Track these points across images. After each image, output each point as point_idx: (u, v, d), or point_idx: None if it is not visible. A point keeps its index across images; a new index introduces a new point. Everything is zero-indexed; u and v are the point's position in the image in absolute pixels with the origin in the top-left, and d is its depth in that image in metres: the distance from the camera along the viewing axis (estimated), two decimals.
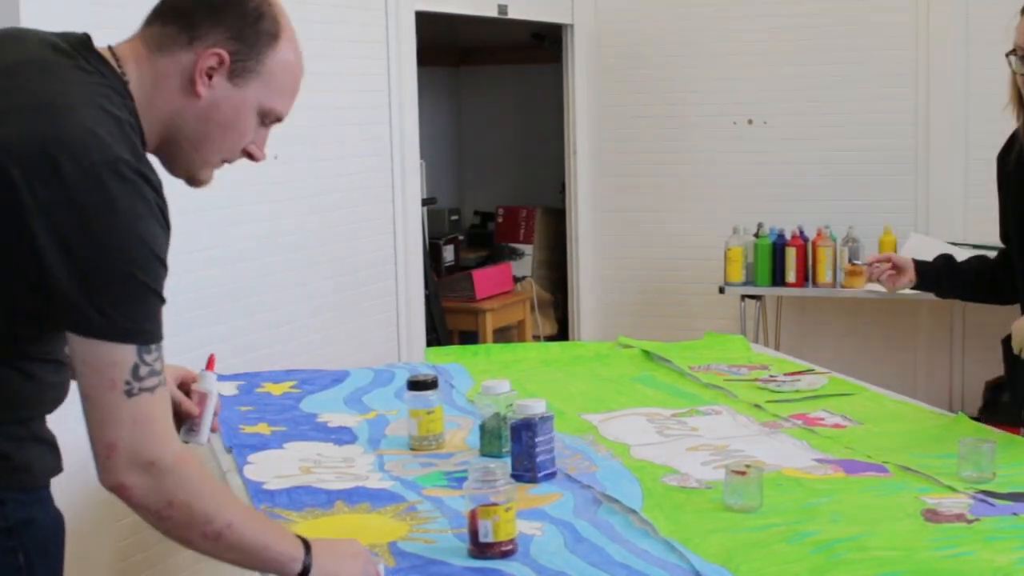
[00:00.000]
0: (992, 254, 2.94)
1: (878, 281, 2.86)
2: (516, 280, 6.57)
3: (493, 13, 5.67)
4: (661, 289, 6.21)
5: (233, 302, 4.08)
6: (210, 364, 2.06)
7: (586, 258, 6.32)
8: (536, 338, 6.45)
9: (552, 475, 2.47)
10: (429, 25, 5.32)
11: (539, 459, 2.45)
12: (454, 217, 7.05)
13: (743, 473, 2.28)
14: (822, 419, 2.89)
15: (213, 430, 2.05)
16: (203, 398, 2.01)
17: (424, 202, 5.42)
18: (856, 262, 2.86)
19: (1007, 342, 2.65)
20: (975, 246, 4.68)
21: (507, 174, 7.50)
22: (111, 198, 1.56)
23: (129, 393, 1.58)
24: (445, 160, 7.35)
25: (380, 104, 4.84)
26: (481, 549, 2.02)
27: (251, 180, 4.12)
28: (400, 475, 2.51)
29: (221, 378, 2.51)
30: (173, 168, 1.83)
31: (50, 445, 1.75)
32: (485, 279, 6.16)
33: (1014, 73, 2.61)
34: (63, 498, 1.81)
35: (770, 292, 5.64)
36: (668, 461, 2.59)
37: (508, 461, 2.48)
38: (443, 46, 7.01)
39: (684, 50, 6.07)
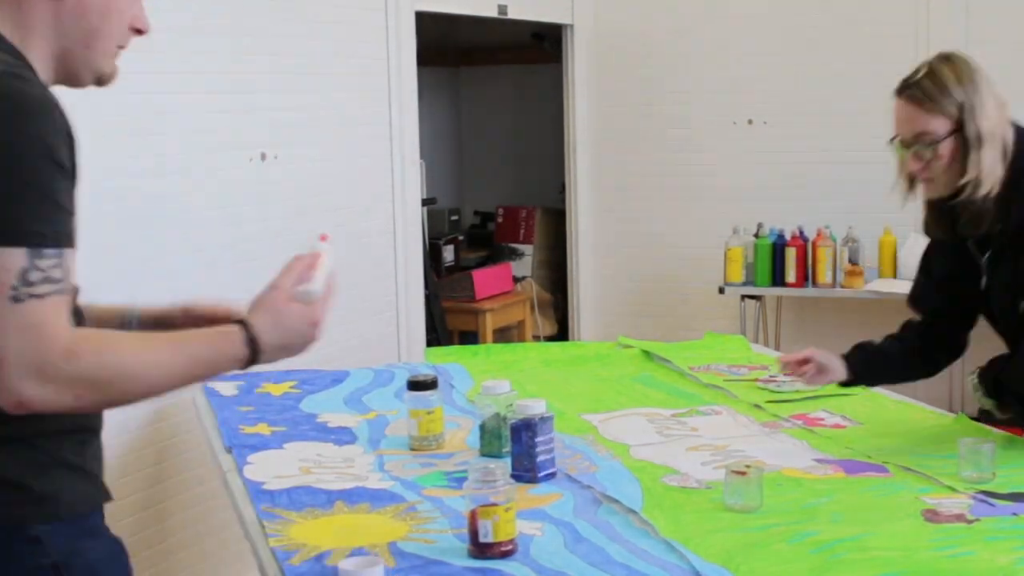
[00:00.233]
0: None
1: (792, 377, 2.68)
2: (516, 280, 6.57)
3: (493, 13, 5.67)
4: (661, 289, 6.21)
5: None
6: (323, 238, 1.92)
7: (586, 258, 6.32)
8: (536, 338, 6.45)
9: (552, 475, 2.47)
10: (429, 25, 5.32)
11: (539, 459, 2.45)
12: (454, 217, 7.05)
13: (743, 473, 2.28)
14: (822, 419, 2.89)
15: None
16: (316, 256, 1.84)
17: (424, 202, 5.42)
18: (781, 358, 2.66)
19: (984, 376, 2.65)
20: None
21: (507, 174, 7.50)
22: None
23: (15, 299, 1.46)
24: (445, 160, 7.35)
25: (380, 104, 4.84)
26: (481, 549, 2.02)
27: (251, 180, 4.12)
28: (400, 475, 2.51)
29: (220, 379, 2.50)
30: (79, 77, 1.79)
31: (83, 472, 1.66)
32: (485, 279, 6.16)
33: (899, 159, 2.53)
34: None
35: (770, 292, 5.64)
36: (668, 461, 2.59)
37: (508, 461, 2.48)
38: (443, 46, 7.01)
39: (684, 50, 6.07)
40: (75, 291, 1.64)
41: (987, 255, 2.52)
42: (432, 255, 6.09)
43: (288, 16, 4.29)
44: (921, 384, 2.72)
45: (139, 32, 1.82)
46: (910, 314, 2.73)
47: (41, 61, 1.70)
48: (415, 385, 2.74)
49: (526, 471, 2.44)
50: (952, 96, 2.39)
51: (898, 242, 5.35)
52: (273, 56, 4.22)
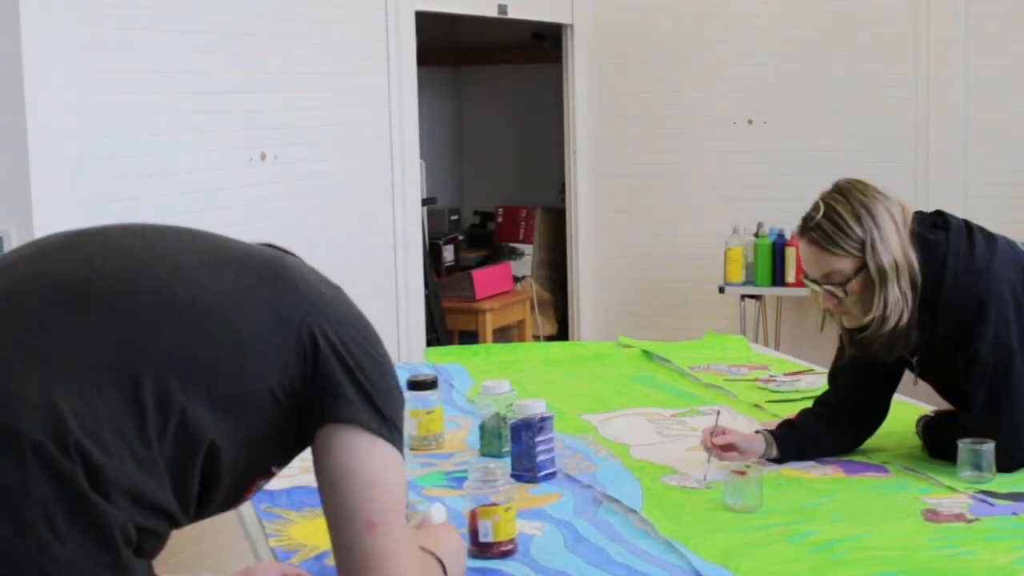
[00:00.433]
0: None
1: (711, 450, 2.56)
2: (516, 280, 6.56)
3: (493, 13, 5.67)
4: (661, 289, 6.21)
5: None
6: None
7: (586, 258, 6.32)
8: (536, 338, 6.44)
9: (552, 475, 2.47)
10: (429, 25, 5.32)
11: (539, 459, 2.45)
12: (454, 217, 7.04)
13: (743, 473, 2.28)
14: None
15: None
16: None
17: (424, 202, 5.42)
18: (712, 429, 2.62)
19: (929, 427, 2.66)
20: None
21: (507, 174, 7.50)
22: None
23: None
24: (445, 160, 7.35)
25: (380, 104, 4.83)
26: (481, 549, 2.02)
27: (250, 180, 4.13)
28: None
29: None
30: None
31: None
32: (485, 279, 6.16)
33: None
34: None
35: (770, 292, 5.64)
36: (668, 461, 2.59)
37: (508, 461, 2.48)
38: (443, 46, 7.00)
39: (684, 50, 6.07)
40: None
41: (915, 358, 2.55)
42: (432, 255, 6.09)
43: (288, 16, 4.29)
44: (922, 384, 2.72)
45: None
46: None
47: None
48: (415, 385, 2.74)
49: (526, 471, 2.44)
50: (851, 235, 2.39)
51: None
52: (273, 56, 4.22)
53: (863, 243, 2.38)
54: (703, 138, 6.07)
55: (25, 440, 1.38)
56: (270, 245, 1.72)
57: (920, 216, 2.53)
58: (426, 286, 5.30)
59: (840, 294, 2.43)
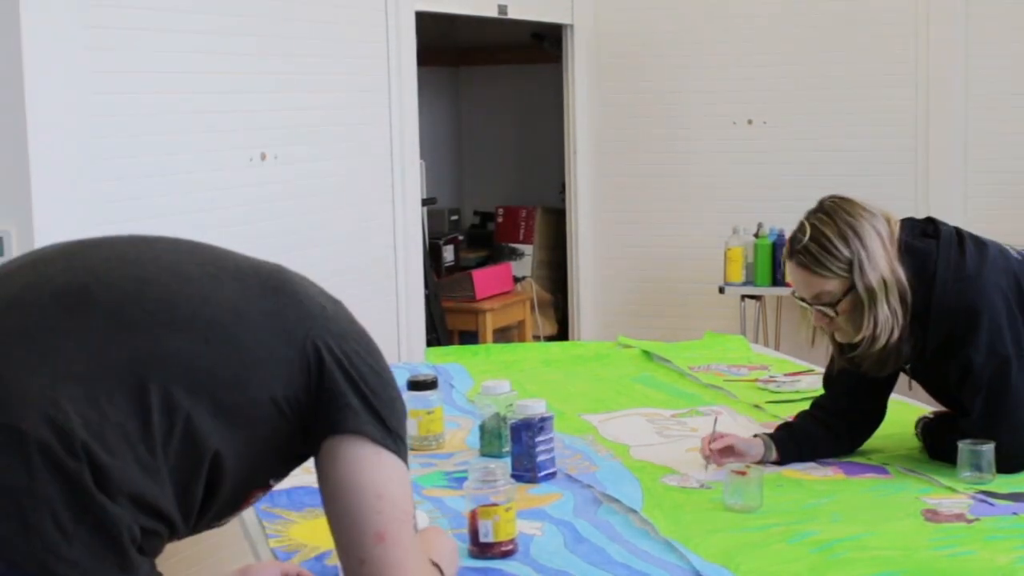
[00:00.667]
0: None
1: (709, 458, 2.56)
2: (516, 280, 6.56)
3: (493, 13, 5.67)
4: (661, 289, 6.21)
5: None
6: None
7: (586, 258, 6.32)
8: (536, 338, 6.44)
9: (552, 475, 2.47)
10: (429, 25, 5.31)
11: (539, 459, 2.45)
12: (454, 217, 7.04)
13: (743, 473, 2.28)
14: None
15: None
16: None
17: (424, 202, 5.42)
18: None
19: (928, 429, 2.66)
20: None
21: (507, 174, 7.50)
22: None
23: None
24: (445, 160, 7.35)
25: (380, 104, 4.83)
26: (481, 549, 2.02)
27: (250, 180, 4.12)
28: None
29: None
30: None
31: None
32: (485, 279, 6.16)
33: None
34: None
35: (770, 292, 5.64)
36: (668, 462, 2.59)
37: (508, 461, 2.48)
38: (443, 46, 7.00)
39: (684, 50, 6.06)
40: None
41: (907, 365, 2.55)
42: (432, 255, 6.09)
43: (288, 16, 4.29)
44: (919, 386, 2.73)
45: None
46: None
47: None
48: (415, 385, 2.74)
49: (526, 471, 2.44)
50: (839, 256, 2.39)
51: None
52: (273, 56, 4.22)
53: (851, 264, 2.39)
54: (703, 138, 6.07)
55: (31, 440, 1.39)
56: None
57: (910, 224, 2.53)
58: (426, 286, 5.30)
59: (831, 313, 2.44)
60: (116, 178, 3.56)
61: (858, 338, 2.43)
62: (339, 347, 1.60)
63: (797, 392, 3.15)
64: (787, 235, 2.60)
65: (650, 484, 2.43)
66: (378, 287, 4.82)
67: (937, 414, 2.70)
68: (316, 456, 1.61)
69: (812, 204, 2.53)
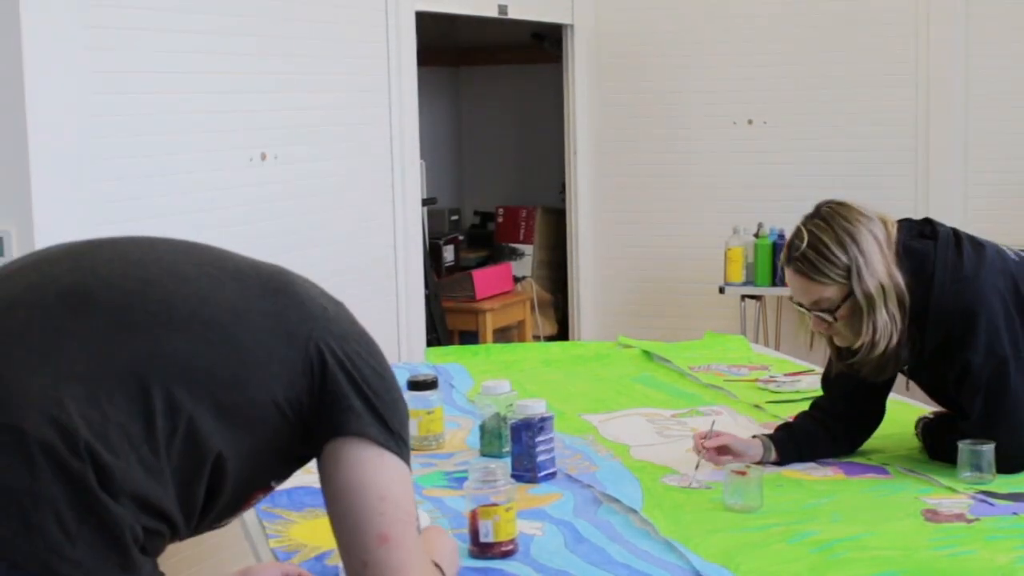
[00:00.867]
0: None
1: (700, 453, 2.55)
2: (516, 280, 6.56)
3: (493, 13, 5.67)
4: (661, 289, 6.21)
5: None
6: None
7: (586, 258, 6.32)
8: (536, 338, 6.44)
9: (552, 475, 2.47)
10: (429, 25, 5.31)
11: (539, 459, 2.45)
12: (454, 217, 7.04)
13: (743, 473, 2.28)
14: None
15: None
16: None
17: (424, 202, 5.42)
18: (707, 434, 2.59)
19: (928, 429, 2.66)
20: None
21: (507, 174, 7.50)
22: None
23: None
24: (445, 160, 7.35)
25: (380, 104, 4.83)
26: (482, 549, 2.02)
27: (250, 180, 4.12)
28: None
29: None
30: None
31: None
32: (485, 279, 6.16)
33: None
34: None
35: (770, 292, 5.64)
36: (668, 462, 2.59)
37: (508, 461, 2.48)
38: (443, 46, 7.00)
39: (684, 50, 6.06)
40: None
41: (906, 367, 2.54)
42: (432, 255, 6.09)
43: (288, 16, 4.29)
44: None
45: None
46: None
47: None
48: (415, 385, 2.74)
49: (526, 471, 2.44)
50: (836, 262, 2.39)
51: None
52: (273, 56, 4.22)
53: (848, 270, 2.39)
54: (703, 138, 6.07)
55: (34, 441, 1.39)
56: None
57: (908, 225, 2.52)
58: (426, 286, 5.30)
59: (829, 319, 2.44)
60: (116, 178, 3.56)
61: (857, 344, 2.43)
62: (341, 349, 1.60)
63: (797, 392, 3.15)
64: (787, 235, 2.60)
65: (650, 484, 2.43)
66: (378, 287, 4.82)
67: (937, 414, 2.70)
68: (318, 458, 1.61)
69: (812, 204, 2.53)
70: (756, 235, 5.59)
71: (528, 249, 6.94)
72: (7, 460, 1.38)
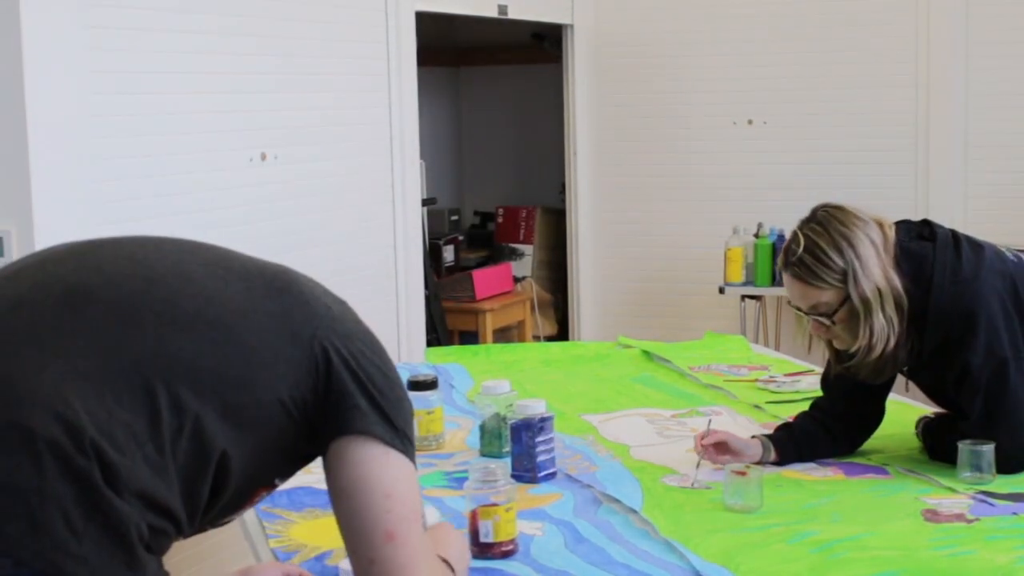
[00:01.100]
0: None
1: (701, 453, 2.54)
2: (516, 280, 6.56)
3: (493, 13, 5.67)
4: (661, 289, 6.21)
5: None
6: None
7: (586, 258, 6.32)
8: (536, 338, 6.44)
9: (552, 475, 2.47)
10: (429, 25, 5.31)
11: (539, 459, 2.45)
12: (454, 217, 7.04)
13: (743, 473, 2.28)
14: None
15: None
16: None
17: (424, 202, 5.42)
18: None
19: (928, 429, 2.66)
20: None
21: (507, 174, 7.50)
22: None
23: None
24: (445, 160, 7.35)
25: (380, 104, 4.83)
26: (482, 549, 2.02)
27: (250, 180, 4.12)
28: None
29: None
30: None
31: None
32: (485, 279, 6.16)
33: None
34: None
35: (770, 292, 5.64)
36: (668, 462, 2.59)
37: (508, 461, 2.48)
38: (443, 46, 7.00)
39: (684, 50, 6.06)
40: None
41: (905, 368, 2.54)
42: (432, 255, 6.09)
43: (288, 16, 4.29)
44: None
45: None
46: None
47: None
48: (415, 385, 2.74)
49: (526, 471, 2.44)
50: (833, 267, 2.40)
51: None
52: (273, 56, 4.22)
53: (845, 274, 2.39)
54: (703, 138, 6.07)
55: (40, 438, 1.39)
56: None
57: (906, 226, 2.52)
58: (426, 286, 5.30)
59: (827, 323, 2.44)
60: (116, 178, 3.56)
61: (854, 347, 2.43)
62: (346, 347, 1.60)
63: (797, 392, 3.15)
64: (787, 235, 2.60)
65: (650, 484, 2.43)
66: (378, 287, 4.82)
67: (937, 414, 2.70)
68: (324, 457, 1.61)
69: (812, 205, 2.53)
70: (756, 235, 5.59)
71: (528, 249, 6.94)
72: (14, 458, 1.39)
